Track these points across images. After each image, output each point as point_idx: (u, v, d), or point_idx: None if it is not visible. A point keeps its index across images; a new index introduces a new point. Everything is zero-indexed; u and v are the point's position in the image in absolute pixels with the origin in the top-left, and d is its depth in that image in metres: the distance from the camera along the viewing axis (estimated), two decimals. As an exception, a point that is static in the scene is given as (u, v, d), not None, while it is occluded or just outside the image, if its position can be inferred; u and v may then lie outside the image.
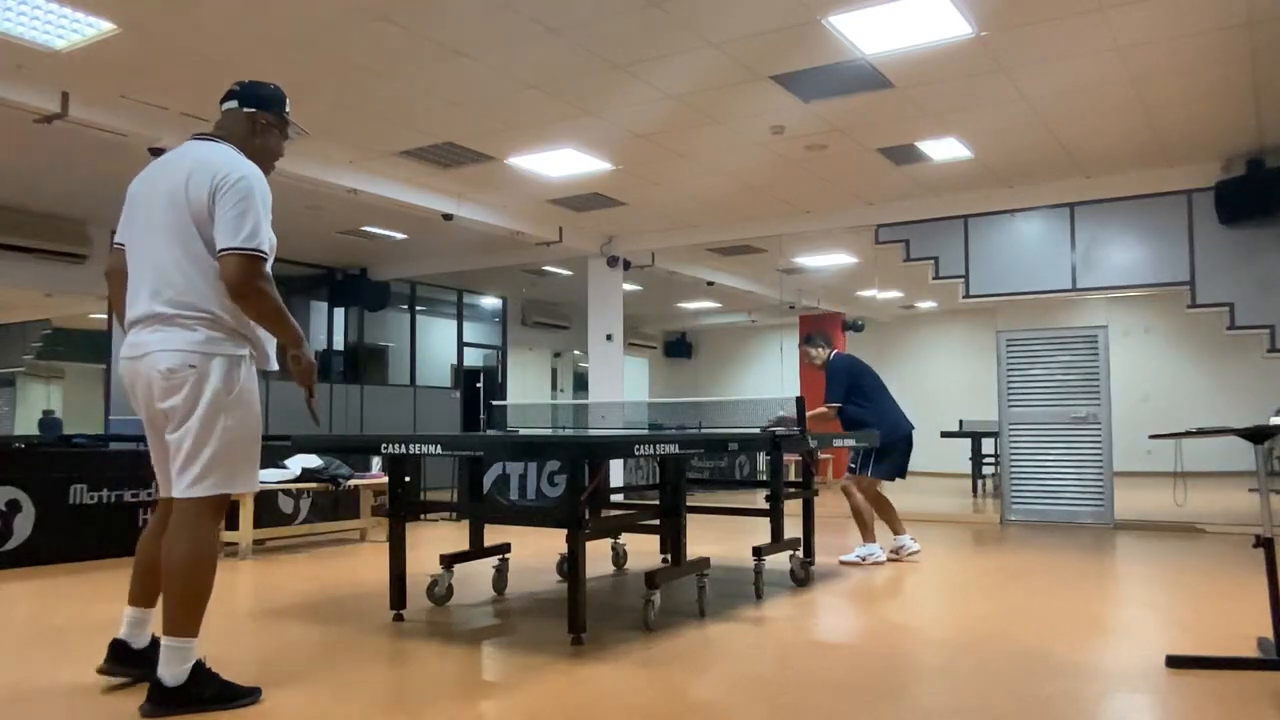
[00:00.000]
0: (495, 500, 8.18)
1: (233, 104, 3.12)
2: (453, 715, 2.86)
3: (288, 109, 3.21)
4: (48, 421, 10.83)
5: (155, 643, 2.98)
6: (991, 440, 10.09)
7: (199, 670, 2.79)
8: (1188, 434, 3.59)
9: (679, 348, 19.10)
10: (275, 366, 3.03)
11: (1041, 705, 2.93)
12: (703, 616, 4.23)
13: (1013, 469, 8.59)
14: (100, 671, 3.02)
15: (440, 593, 4.51)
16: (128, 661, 3.02)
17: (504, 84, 5.91)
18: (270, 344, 3.01)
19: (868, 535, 5.98)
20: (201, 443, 2.81)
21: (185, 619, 2.77)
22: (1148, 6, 4.91)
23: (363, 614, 4.35)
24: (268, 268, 2.86)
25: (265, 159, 3.11)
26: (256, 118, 3.12)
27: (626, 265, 10.78)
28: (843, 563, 5.87)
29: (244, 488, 2.97)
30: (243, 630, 4.03)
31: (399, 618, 4.19)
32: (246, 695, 2.89)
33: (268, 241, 2.85)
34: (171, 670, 2.74)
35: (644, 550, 5.98)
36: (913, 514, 9.05)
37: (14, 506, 5.73)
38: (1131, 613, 4.63)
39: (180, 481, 2.83)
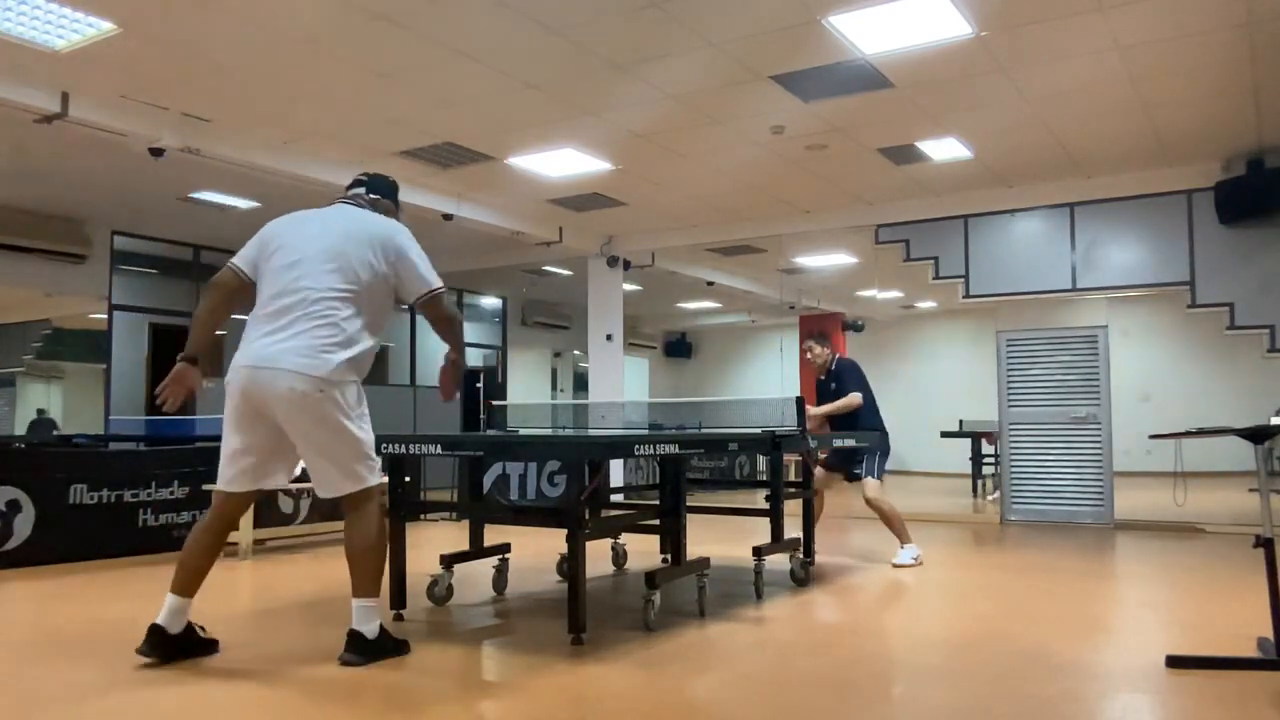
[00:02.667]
0: (495, 500, 8.18)
1: (360, 190, 3.66)
2: (453, 715, 2.87)
3: (399, 197, 3.81)
4: (40, 423, 10.80)
5: (190, 629, 3.39)
6: (992, 440, 10.08)
7: (383, 628, 3.37)
8: (1188, 434, 3.59)
9: (679, 348, 19.09)
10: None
11: (1041, 705, 2.93)
12: (703, 616, 4.23)
13: (1013, 469, 8.59)
14: (141, 652, 3.29)
15: (440, 593, 4.51)
16: (166, 645, 3.31)
17: (504, 84, 5.91)
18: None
19: (906, 536, 5.93)
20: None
21: (371, 583, 3.34)
22: (1148, 6, 4.91)
23: (363, 614, 4.34)
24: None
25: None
26: (379, 204, 3.66)
27: (626, 265, 10.78)
28: (896, 566, 5.81)
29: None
30: (243, 630, 4.03)
31: (399, 618, 4.19)
32: (404, 646, 3.48)
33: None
34: (367, 625, 3.33)
35: (644, 550, 5.98)
36: (913, 514, 9.06)
37: (14, 506, 5.73)
38: (1131, 613, 4.63)
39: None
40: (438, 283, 3.49)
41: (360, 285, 3.30)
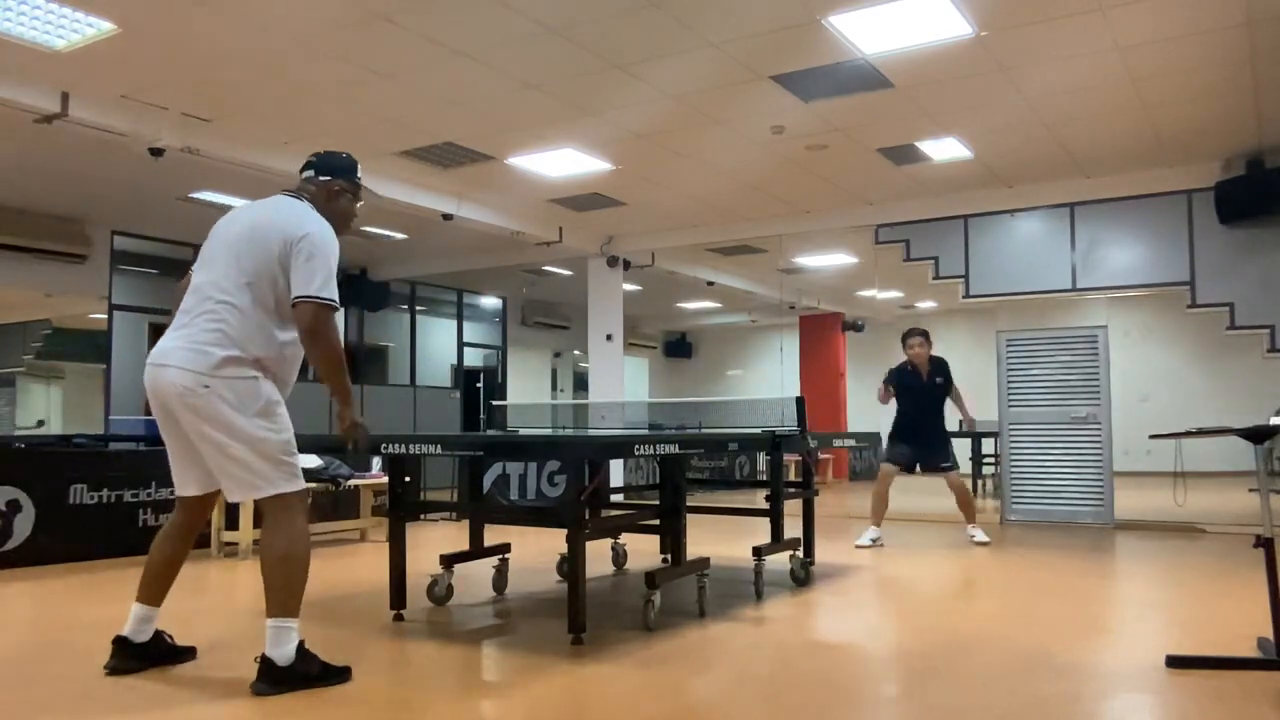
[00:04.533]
0: (495, 500, 8.18)
1: (309, 173, 3.41)
2: (453, 715, 2.87)
3: (359, 175, 3.49)
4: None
5: (158, 636, 3.25)
6: (992, 440, 10.08)
7: (302, 650, 3.05)
8: (1188, 434, 3.58)
9: (679, 348, 19.10)
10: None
11: (1041, 705, 2.93)
12: (703, 616, 4.23)
13: (1013, 469, 8.59)
14: (109, 670, 3.16)
15: (440, 593, 4.51)
16: (132, 656, 3.19)
17: (504, 84, 5.91)
18: (286, 374, 3.23)
19: (973, 514, 6.84)
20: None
21: (287, 602, 3.03)
22: (1148, 6, 4.91)
23: (363, 614, 4.34)
24: (336, 318, 3.13)
25: (340, 221, 3.37)
26: (329, 185, 3.39)
27: (626, 265, 10.78)
28: (978, 543, 6.65)
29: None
30: (243, 630, 4.03)
31: (399, 618, 4.19)
32: (340, 675, 3.14)
33: (337, 297, 3.12)
34: (280, 650, 3.00)
35: (644, 550, 5.98)
36: (913, 514, 9.06)
37: (14, 506, 5.73)
38: (1131, 613, 4.63)
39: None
40: (322, 293, 3.05)
41: (259, 280, 3.07)
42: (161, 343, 3.13)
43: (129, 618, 3.20)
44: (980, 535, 6.75)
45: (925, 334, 6.88)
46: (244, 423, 3.03)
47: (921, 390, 6.78)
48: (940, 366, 6.86)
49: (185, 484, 3.25)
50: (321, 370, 3.14)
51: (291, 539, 3.08)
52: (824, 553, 6.06)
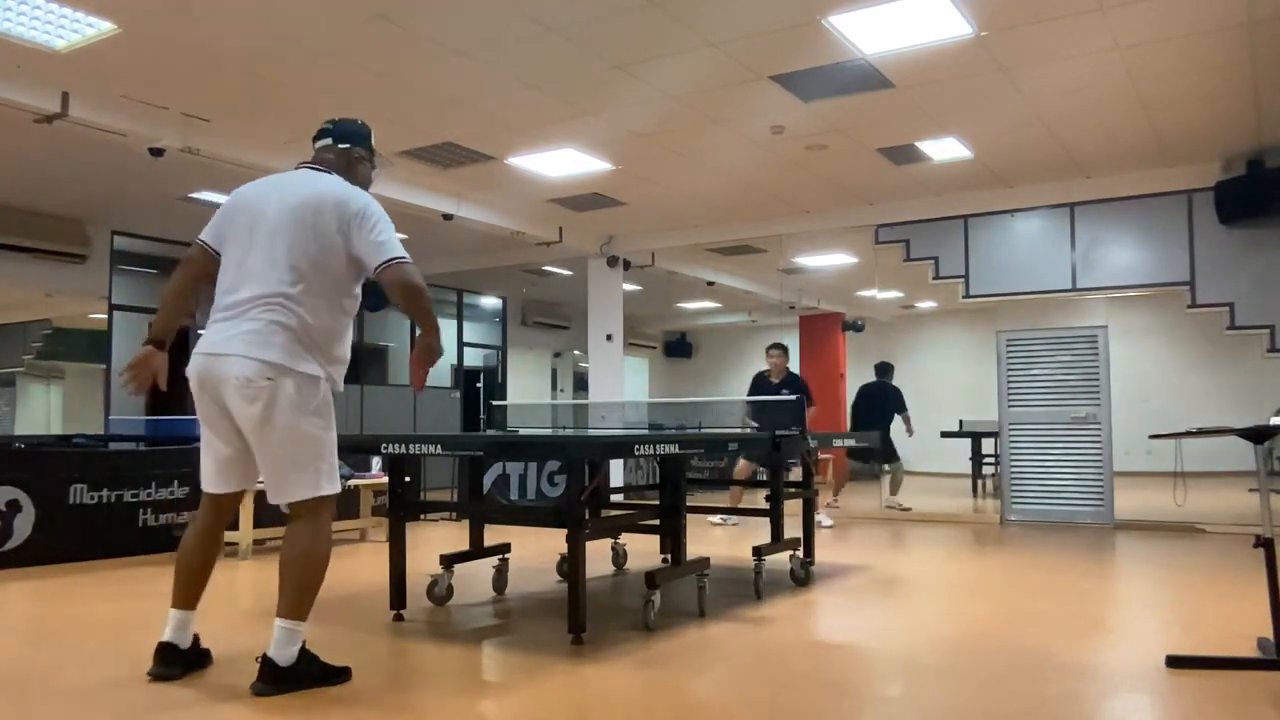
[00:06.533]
0: (495, 500, 8.17)
1: (327, 140, 3.34)
2: (453, 715, 2.86)
3: (373, 141, 3.44)
4: None
5: (197, 642, 3.22)
6: (992, 440, 10.09)
7: (304, 651, 3.03)
8: (1188, 434, 3.59)
9: (679, 348, 19.09)
10: (341, 389, 3.21)
11: (1041, 705, 2.93)
12: (703, 616, 4.23)
13: (1013, 469, 8.59)
14: (153, 677, 3.13)
15: (440, 593, 4.51)
16: (177, 663, 3.16)
17: (504, 84, 5.91)
18: (341, 370, 3.21)
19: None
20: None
21: (300, 605, 3.00)
22: (1148, 6, 4.91)
23: (363, 614, 4.34)
24: (361, 276, 3.16)
25: (362, 189, 3.28)
26: (350, 153, 3.34)
27: (626, 265, 10.78)
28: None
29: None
30: (243, 630, 4.03)
31: (399, 618, 4.19)
32: (339, 675, 3.12)
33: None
34: (284, 651, 2.98)
35: (644, 550, 5.98)
36: (913, 513, 9.06)
37: (14, 506, 5.73)
38: (1131, 613, 4.63)
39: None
40: (401, 251, 3.08)
41: (314, 262, 3.04)
42: (210, 334, 3.05)
43: (168, 624, 3.16)
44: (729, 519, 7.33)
45: (784, 348, 8.28)
46: (302, 420, 2.99)
47: (770, 392, 7.90)
48: (792, 380, 8.11)
49: (224, 480, 3.16)
50: (422, 315, 3.14)
51: (316, 540, 3.05)
52: (824, 553, 6.06)
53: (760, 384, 8.28)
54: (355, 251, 3.07)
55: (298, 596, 3.00)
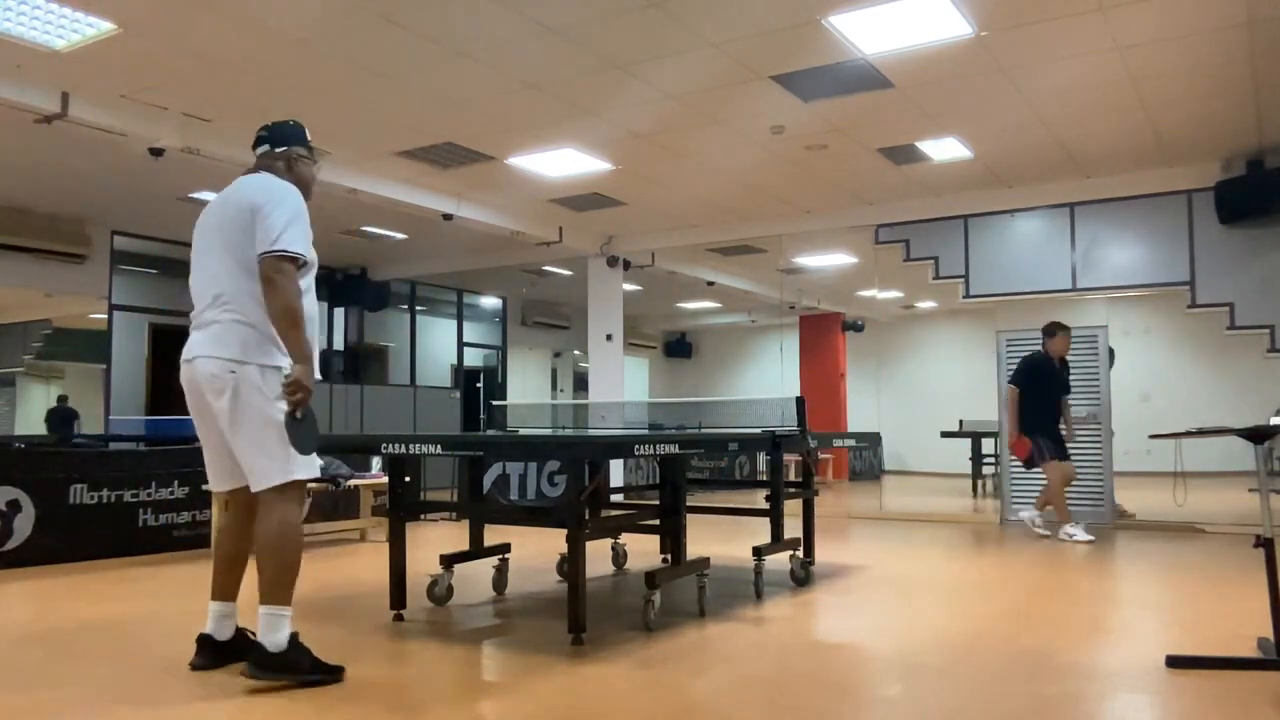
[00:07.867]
0: (495, 500, 8.17)
1: (265, 147, 3.46)
2: (453, 715, 2.87)
3: (309, 138, 3.54)
4: (61, 411, 10.08)
5: (240, 633, 3.33)
6: (991, 440, 10.08)
7: (295, 641, 3.10)
8: (1188, 434, 3.59)
9: (679, 348, 19.09)
10: (317, 376, 3.20)
11: (1041, 705, 2.93)
12: (703, 616, 4.23)
13: (1013, 469, 8.57)
14: (194, 667, 3.25)
15: (440, 593, 4.51)
16: (216, 654, 3.28)
17: (504, 84, 5.91)
18: (314, 353, 3.22)
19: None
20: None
21: (280, 588, 3.09)
22: (1148, 6, 4.91)
23: (363, 614, 4.35)
24: (300, 273, 3.17)
25: (305, 187, 3.41)
26: (289, 154, 3.45)
27: (626, 265, 10.78)
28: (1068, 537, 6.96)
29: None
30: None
31: (399, 618, 4.19)
32: (331, 673, 3.16)
33: (298, 246, 3.14)
34: (271, 636, 3.06)
35: (644, 550, 5.98)
36: (913, 513, 9.06)
37: (14, 506, 5.73)
38: (1131, 613, 4.63)
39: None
40: (285, 245, 3.08)
41: (246, 261, 3.16)
42: (188, 342, 3.25)
43: (208, 616, 3.29)
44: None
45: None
46: (268, 406, 3.11)
47: (1057, 385, 7.39)
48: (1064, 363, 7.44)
49: (220, 479, 3.35)
50: (275, 322, 3.08)
51: (286, 523, 3.14)
52: (824, 553, 6.06)
53: (1041, 368, 7.28)
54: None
55: (277, 580, 3.09)
